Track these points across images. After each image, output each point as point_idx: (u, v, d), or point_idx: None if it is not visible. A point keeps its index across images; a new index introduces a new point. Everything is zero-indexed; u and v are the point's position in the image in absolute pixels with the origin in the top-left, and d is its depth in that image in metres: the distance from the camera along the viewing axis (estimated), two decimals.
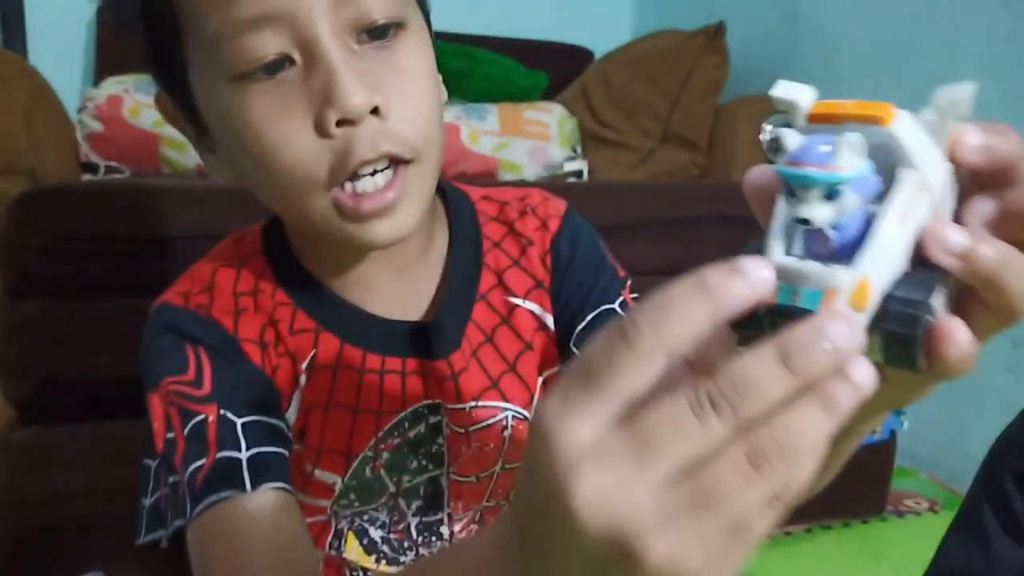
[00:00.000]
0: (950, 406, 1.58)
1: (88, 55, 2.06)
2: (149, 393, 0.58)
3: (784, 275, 0.27)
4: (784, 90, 0.28)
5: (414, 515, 0.66)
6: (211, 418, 0.55)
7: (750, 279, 0.26)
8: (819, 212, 0.26)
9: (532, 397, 0.68)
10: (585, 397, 0.26)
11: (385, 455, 0.63)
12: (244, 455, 0.55)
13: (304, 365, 0.60)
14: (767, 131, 0.28)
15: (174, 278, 0.65)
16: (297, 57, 0.51)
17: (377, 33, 0.52)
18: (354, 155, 0.50)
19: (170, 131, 1.89)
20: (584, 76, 2.06)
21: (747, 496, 0.25)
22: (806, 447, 0.25)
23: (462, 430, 0.64)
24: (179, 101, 0.57)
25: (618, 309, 0.65)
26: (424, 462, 0.65)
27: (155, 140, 1.67)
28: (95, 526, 1.16)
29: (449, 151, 1.68)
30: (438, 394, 0.63)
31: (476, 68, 1.87)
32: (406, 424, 0.63)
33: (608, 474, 0.25)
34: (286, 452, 0.58)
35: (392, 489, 0.64)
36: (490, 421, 0.65)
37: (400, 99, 0.52)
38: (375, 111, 0.51)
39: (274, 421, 0.58)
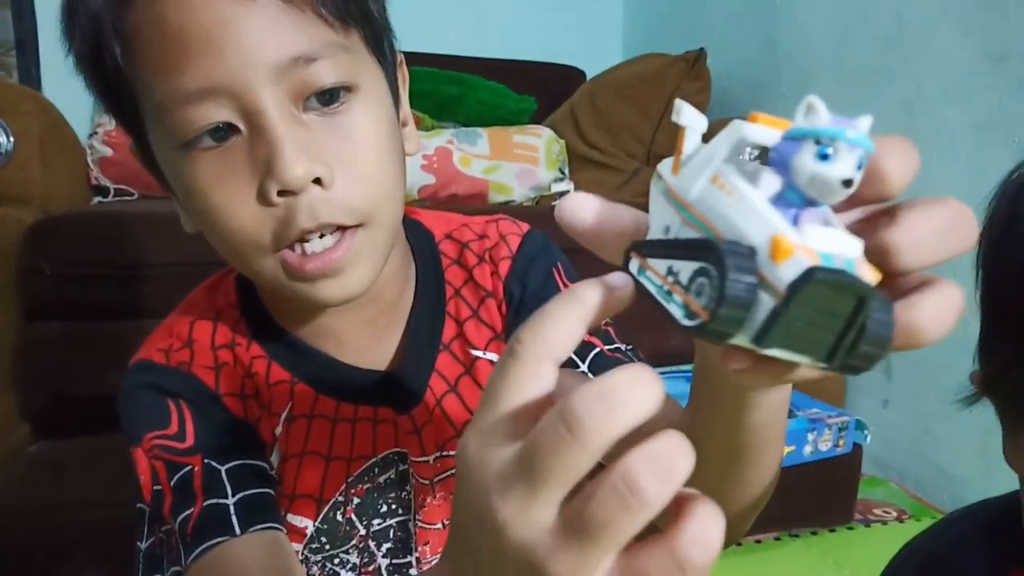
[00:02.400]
0: (919, 417, 1.65)
1: None
2: (132, 448, 0.59)
3: (821, 242, 0.24)
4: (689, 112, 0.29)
5: (384, 557, 0.66)
6: (196, 468, 0.56)
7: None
8: (856, 176, 0.24)
9: None
10: (489, 422, 0.27)
11: (355, 500, 0.64)
12: (231, 500, 0.55)
13: (282, 417, 0.61)
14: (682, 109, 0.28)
15: (180, 301, 0.66)
16: (242, 125, 0.50)
17: (325, 99, 0.51)
18: (294, 224, 0.50)
19: None
20: (574, 97, 2.13)
21: (625, 521, 0.24)
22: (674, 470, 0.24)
23: (427, 481, 0.65)
24: (144, 153, 0.57)
25: (573, 354, 0.62)
26: (394, 506, 0.65)
27: None
28: (106, 533, 1.23)
29: (442, 174, 1.76)
30: (405, 444, 0.64)
31: (469, 94, 1.94)
32: (376, 470, 0.64)
33: (510, 499, 0.26)
34: (272, 492, 0.59)
35: (362, 532, 0.65)
36: (455, 471, 0.65)
37: (346, 167, 0.51)
38: (318, 181, 0.50)
39: (258, 463, 0.59)
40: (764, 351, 0.25)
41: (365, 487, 0.64)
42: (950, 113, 1.52)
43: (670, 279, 0.27)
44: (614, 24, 2.74)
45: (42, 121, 1.44)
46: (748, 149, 0.27)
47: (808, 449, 1.39)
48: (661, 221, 0.29)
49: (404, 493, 0.65)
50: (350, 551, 0.65)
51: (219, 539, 0.53)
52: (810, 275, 0.23)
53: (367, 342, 0.63)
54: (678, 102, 0.29)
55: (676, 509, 0.25)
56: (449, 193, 1.77)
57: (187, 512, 0.55)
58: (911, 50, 1.62)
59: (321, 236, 0.52)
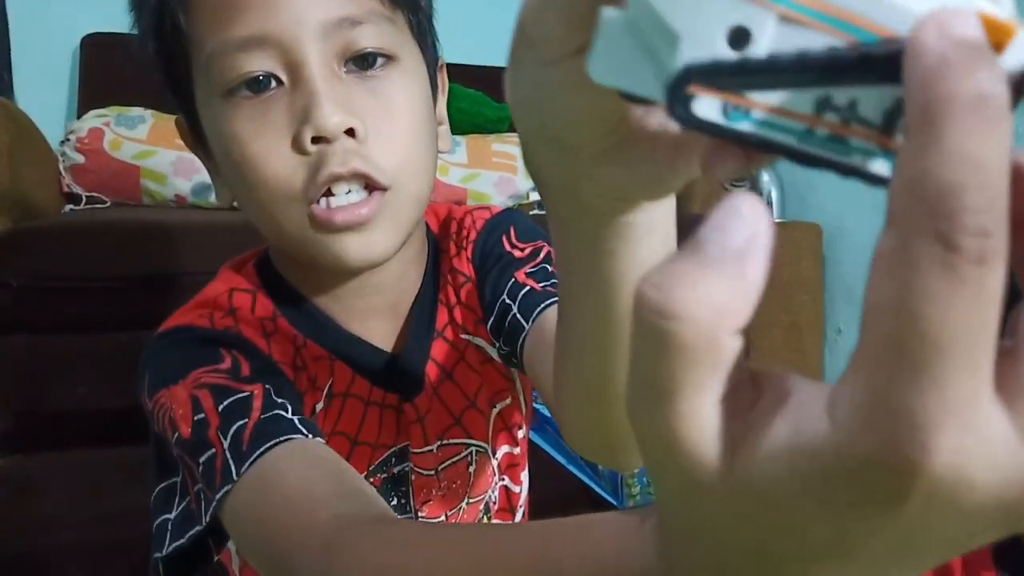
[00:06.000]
0: None
1: (72, 87, 2.12)
2: (166, 388, 0.54)
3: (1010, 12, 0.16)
4: None
5: None
6: (256, 391, 0.52)
7: None
8: None
9: (488, 430, 0.69)
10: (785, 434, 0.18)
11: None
12: (294, 417, 0.52)
13: (324, 392, 0.61)
14: None
15: (151, 314, 0.64)
16: (284, 77, 0.53)
17: (364, 62, 0.55)
18: (326, 168, 0.53)
19: (150, 163, 1.93)
20: None
21: None
22: None
23: (431, 472, 0.65)
24: (191, 123, 0.60)
25: (506, 298, 0.61)
26: (402, 500, 0.65)
27: (135, 172, 1.73)
28: (73, 551, 1.22)
29: None
30: (407, 436, 0.64)
31: (448, 102, 1.93)
32: (393, 460, 0.64)
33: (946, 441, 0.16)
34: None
35: None
36: (455, 459, 0.66)
37: (378, 126, 0.54)
38: (351, 133, 0.53)
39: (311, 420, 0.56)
40: None
41: (382, 476, 0.64)
42: None
43: (832, 117, 0.17)
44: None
45: (10, 128, 1.42)
46: None
47: None
48: (711, 22, 0.18)
49: (403, 488, 0.66)
50: None
51: (286, 437, 0.49)
52: None
53: (388, 327, 0.65)
54: None
55: None
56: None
57: (241, 422, 0.50)
58: None
59: (348, 192, 0.54)
